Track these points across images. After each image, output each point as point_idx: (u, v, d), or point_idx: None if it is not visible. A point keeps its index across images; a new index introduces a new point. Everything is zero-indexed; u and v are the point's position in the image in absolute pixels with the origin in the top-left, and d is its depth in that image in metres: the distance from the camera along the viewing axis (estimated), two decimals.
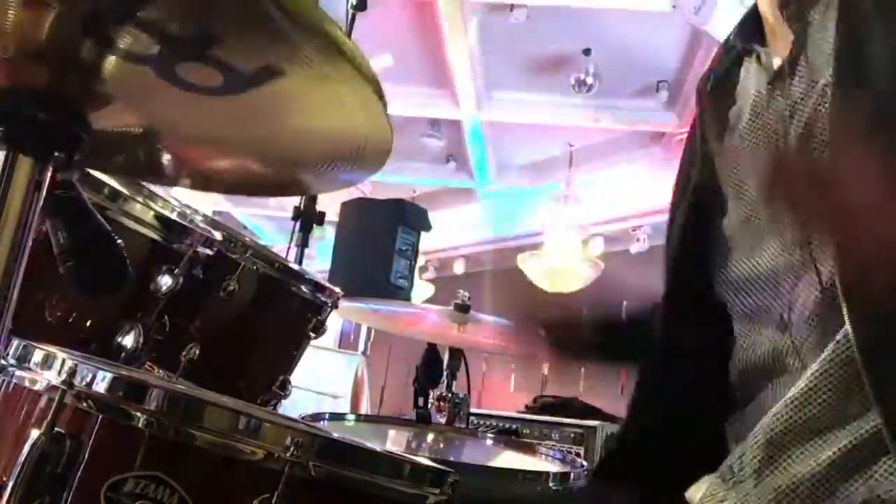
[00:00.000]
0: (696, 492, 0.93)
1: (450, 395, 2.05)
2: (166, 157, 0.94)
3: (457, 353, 2.10)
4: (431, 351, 2.11)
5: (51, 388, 0.75)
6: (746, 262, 0.96)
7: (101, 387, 0.74)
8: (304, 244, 2.52)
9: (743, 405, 0.97)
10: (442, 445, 1.87)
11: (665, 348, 1.07)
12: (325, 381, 3.58)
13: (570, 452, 2.63)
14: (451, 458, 1.67)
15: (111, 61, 0.70)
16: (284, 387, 1.55)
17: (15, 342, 0.83)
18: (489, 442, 1.97)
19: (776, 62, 0.93)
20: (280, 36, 0.62)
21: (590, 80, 5.08)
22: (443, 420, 2.03)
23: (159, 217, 1.24)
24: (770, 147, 0.92)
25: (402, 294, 4.66)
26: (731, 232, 1.00)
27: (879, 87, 0.77)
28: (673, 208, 1.14)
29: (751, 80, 0.99)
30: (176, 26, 0.63)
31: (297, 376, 1.61)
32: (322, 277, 1.61)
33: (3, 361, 0.82)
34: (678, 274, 1.08)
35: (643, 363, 1.10)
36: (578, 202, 6.28)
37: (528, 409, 3.83)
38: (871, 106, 0.78)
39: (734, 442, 0.95)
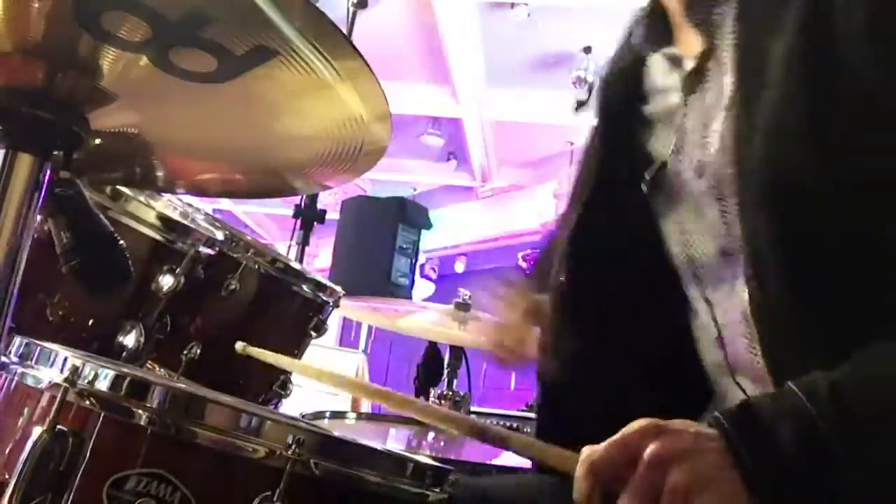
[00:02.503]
0: None
1: (450, 393, 2.05)
2: (161, 169, 0.94)
3: (457, 352, 2.10)
4: (432, 349, 2.11)
5: (53, 385, 0.75)
6: (696, 275, 0.93)
7: (103, 385, 0.74)
8: (304, 243, 2.52)
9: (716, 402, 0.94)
10: (443, 444, 1.87)
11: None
12: None
13: None
14: (452, 457, 1.67)
15: (107, 55, 0.70)
16: (285, 385, 1.55)
17: (17, 340, 0.83)
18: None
19: (688, 63, 0.90)
20: (269, 15, 0.62)
21: (590, 78, 5.08)
22: None
23: (161, 217, 1.25)
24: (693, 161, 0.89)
25: (403, 292, 4.67)
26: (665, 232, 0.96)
27: (774, 96, 0.75)
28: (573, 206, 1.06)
29: (662, 78, 0.96)
30: (166, 7, 0.63)
31: (298, 375, 1.61)
32: (323, 276, 1.62)
33: (5, 359, 0.82)
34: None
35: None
36: None
37: (529, 408, 3.83)
38: (766, 115, 0.75)
39: None
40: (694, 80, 0.88)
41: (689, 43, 0.90)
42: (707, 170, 0.86)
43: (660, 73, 0.97)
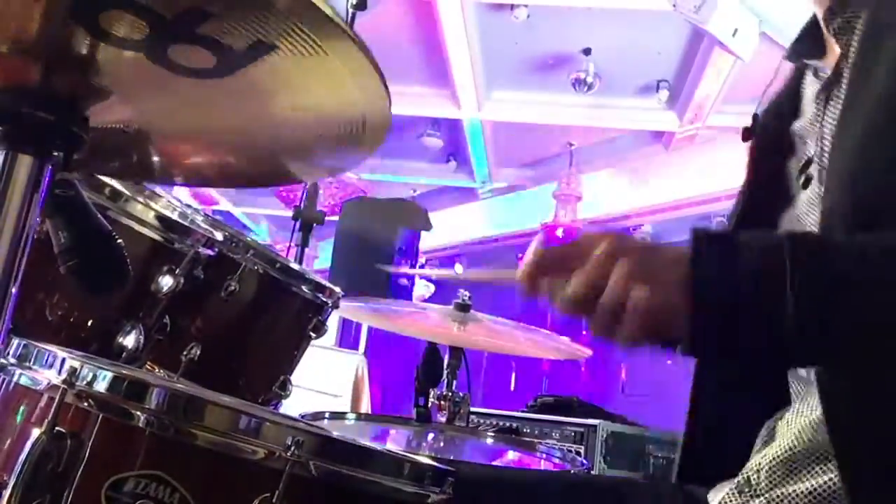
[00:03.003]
0: (714, 496, 0.92)
1: (450, 393, 2.05)
2: (158, 157, 0.94)
3: (457, 352, 2.10)
4: (432, 350, 2.11)
5: (51, 387, 0.75)
6: None
7: (101, 386, 0.74)
8: (304, 244, 2.52)
9: (785, 404, 0.94)
10: (442, 444, 1.87)
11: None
12: (325, 380, 3.58)
13: (571, 451, 2.63)
14: (452, 457, 1.67)
15: (105, 52, 0.70)
16: (285, 386, 1.55)
17: (16, 341, 0.83)
18: (490, 441, 1.97)
19: (829, 72, 0.91)
20: (269, 8, 0.62)
21: (590, 80, 5.08)
22: (443, 419, 2.04)
23: (160, 217, 1.24)
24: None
25: (403, 293, 4.66)
26: None
27: (874, 94, 0.76)
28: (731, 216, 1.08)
29: (809, 94, 0.97)
30: (163, 4, 0.63)
31: (298, 375, 1.61)
32: (322, 277, 1.61)
33: (3, 360, 0.82)
34: None
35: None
36: (579, 201, 6.29)
37: (529, 408, 3.83)
38: (864, 111, 0.77)
39: (763, 443, 0.94)
40: (831, 88, 0.88)
41: (833, 53, 0.91)
42: (810, 159, 0.87)
43: (807, 88, 0.99)
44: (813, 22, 0.98)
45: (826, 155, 0.86)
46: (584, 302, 0.66)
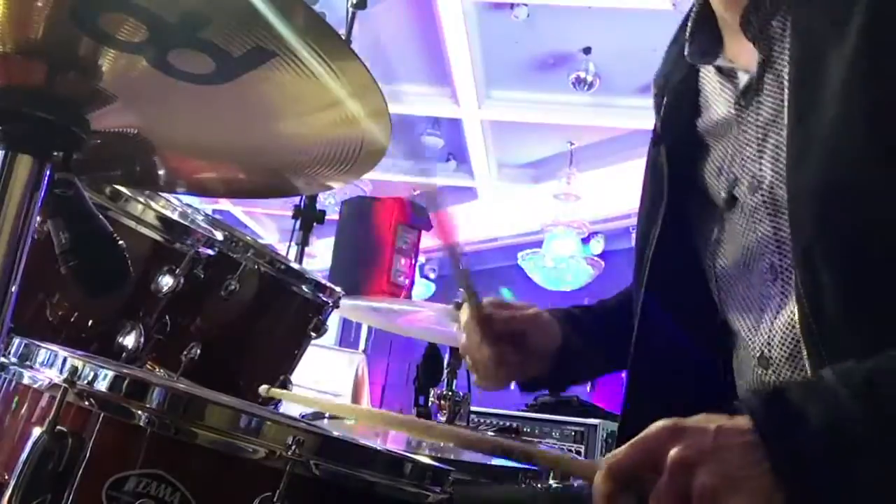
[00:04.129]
0: None
1: (450, 393, 2.05)
2: (161, 167, 0.94)
3: (457, 352, 2.10)
4: (432, 349, 2.11)
5: (52, 386, 0.75)
6: (731, 286, 0.93)
7: (102, 385, 0.74)
8: (304, 243, 2.52)
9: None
10: (442, 444, 1.87)
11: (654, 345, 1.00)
12: (325, 379, 3.58)
13: (571, 450, 2.63)
14: (452, 457, 1.67)
15: (106, 56, 0.70)
16: (285, 386, 1.55)
17: (17, 341, 0.83)
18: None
19: (742, 76, 0.89)
20: (266, 17, 0.62)
21: (590, 79, 5.08)
22: (443, 418, 2.04)
23: (160, 217, 1.25)
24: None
25: (403, 293, 4.66)
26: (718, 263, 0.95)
27: (829, 115, 0.74)
28: (645, 221, 1.05)
29: (714, 91, 0.95)
30: (163, 9, 0.63)
31: (298, 375, 1.62)
32: (323, 276, 1.62)
33: (4, 360, 0.82)
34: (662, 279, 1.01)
35: (634, 361, 1.02)
36: (579, 200, 6.29)
37: (529, 408, 3.83)
38: (824, 132, 0.74)
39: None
40: (750, 94, 0.87)
41: (743, 54, 0.88)
42: (762, 185, 0.84)
43: (710, 86, 0.96)
44: (705, 16, 0.94)
45: (765, 176, 0.83)
46: None
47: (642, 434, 0.64)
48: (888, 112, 0.71)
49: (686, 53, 0.98)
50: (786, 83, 0.81)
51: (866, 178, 0.72)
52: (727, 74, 0.92)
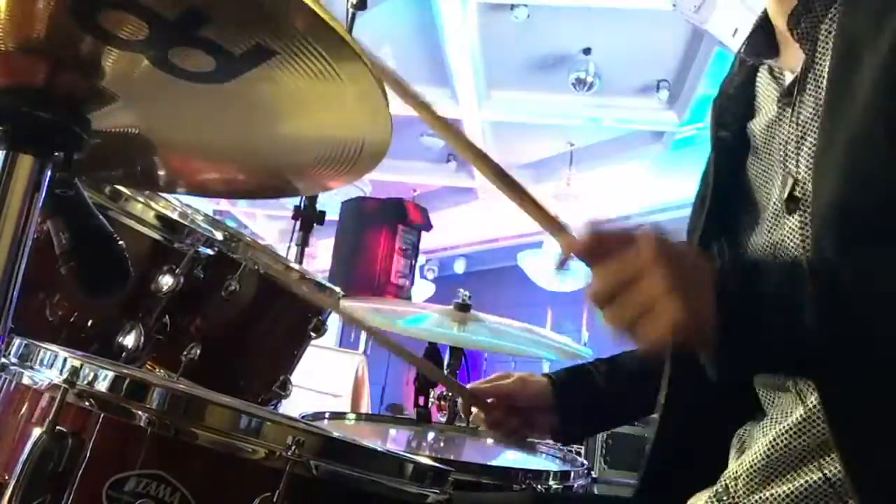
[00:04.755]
0: None
1: (450, 394, 2.05)
2: (161, 167, 0.94)
3: (457, 352, 2.10)
4: (432, 350, 2.11)
5: (52, 386, 0.75)
6: None
7: (102, 385, 0.74)
8: (304, 244, 2.52)
9: (756, 414, 0.95)
10: (442, 444, 1.87)
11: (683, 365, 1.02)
12: (325, 380, 3.59)
13: (571, 451, 2.63)
14: (452, 457, 1.67)
15: (107, 55, 0.70)
16: (285, 386, 1.55)
17: (17, 341, 0.83)
18: (489, 441, 1.97)
19: (788, 77, 0.91)
20: (267, 12, 0.62)
21: (590, 79, 5.09)
22: (443, 419, 2.04)
23: (160, 217, 1.25)
24: (781, 168, 0.90)
25: (403, 293, 4.67)
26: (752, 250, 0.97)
27: (857, 114, 0.76)
28: (690, 229, 1.07)
29: (765, 93, 0.97)
30: (163, 6, 0.63)
31: (298, 375, 1.61)
32: (323, 277, 1.62)
33: (4, 360, 0.82)
34: None
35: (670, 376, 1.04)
36: (579, 201, 6.29)
37: None
38: (847, 128, 0.77)
39: (737, 451, 0.94)
40: (793, 93, 0.89)
41: (793, 56, 0.90)
42: (797, 180, 0.86)
43: (763, 88, 0.98)
44: (764, 19, 0.97)
45: (800, 173, 0.86)
46: (612, 291, 0.69)
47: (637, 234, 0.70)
48: None
49: (742, 52, 1.01)
50: (825, 83, 0.83)
51: (882, 177, 0.74)
52: (776, 76, 0.95)
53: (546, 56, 5.17)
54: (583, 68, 5.07)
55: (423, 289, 7.49)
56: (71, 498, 0.71)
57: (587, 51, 5.03)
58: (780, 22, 0.92)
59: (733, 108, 1.01)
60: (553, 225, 0.80)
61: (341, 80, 0.69)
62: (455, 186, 7.28)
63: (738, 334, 0.68)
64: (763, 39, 0.97)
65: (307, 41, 0.64)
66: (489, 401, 1.23)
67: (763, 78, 0.98)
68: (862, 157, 0.75)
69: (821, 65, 0.85)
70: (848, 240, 0.75)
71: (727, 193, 1.00)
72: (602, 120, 5.75)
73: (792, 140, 0.88)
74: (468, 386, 1.28)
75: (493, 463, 1.61)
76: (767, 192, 0.93)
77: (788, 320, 0.68)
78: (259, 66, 0.68)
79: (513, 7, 4.61)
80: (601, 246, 0.71)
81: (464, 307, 1.95)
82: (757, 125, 0.97)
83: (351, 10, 2.53)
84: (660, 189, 5.94)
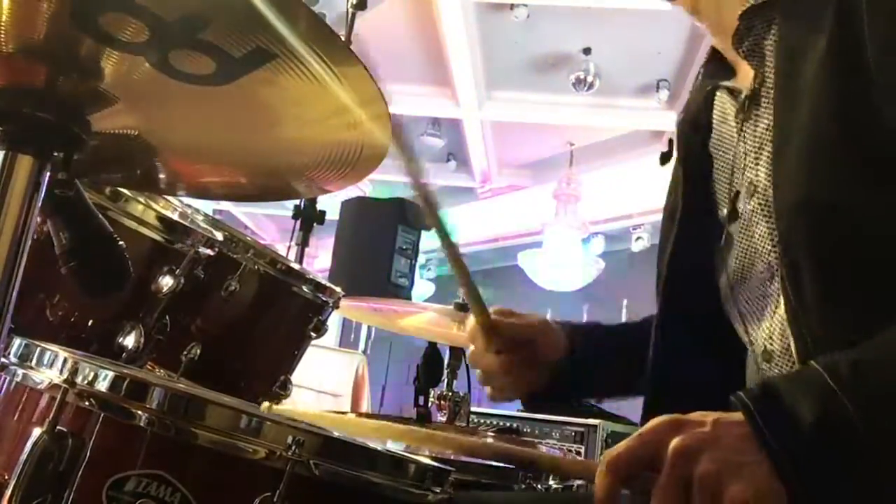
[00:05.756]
0: None
1: (450, 393, 2.05)
2: (162, 170, 0.94)
3: (457, 352, 2.10)
4: (432, 350, 2.11)
5: (52, 386, 0.75)
6: (740, 293, 0.94)
7: (102, 385, 0.74)
8: (304, 244, 2.52)
9: None
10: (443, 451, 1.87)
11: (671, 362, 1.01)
12: (325, 380, 3.59)
13: (571, 451, 2.62)
14: (452, 457, 1.67)
15: (107, 56, 0.70)
16: (285, 386, 1.55)
17: (17, 341, 0.83)
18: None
19: (744, 94, 0.93)
20: (267, 18, 0.62)
21: (590, 79, 5.09)
22: (443, 418, 2.04)
23: (160, 217, 1.25)
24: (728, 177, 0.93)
25: (403, 293, 4.66)
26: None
27: (803, 113, 0.78)
28: (663, 235, 1.09)
29: (722, 111, 1.00)
30: (163, 9, 0.63)
31: (298, 375, 1.62)
32: (323, 277, 1.62)
33: (4, 360, 0.82)
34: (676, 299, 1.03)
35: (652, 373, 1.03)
36: (579, 201, 6.29)
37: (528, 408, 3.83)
38: (799, 132, 0.78)
39: None
40: (748, 108, 0.91)
41: (745, 74, 0.93)
42: (758, 189, 0.88)
43: (720, 107, 1.01)
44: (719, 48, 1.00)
45: (760, 182, 0.87)
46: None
47: (642, 428, 0.66)
48: (855, 108, 0.74)
49: (700, 77, 1.04)
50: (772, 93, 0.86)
51: (836, 178, 0.75)
52: (734, 94, 0.97)
53: (546, 56, 5.17)
54: (583, 68, 5.08)
55: (423, 289, 7.49)
56: (71, 498, 0.71)
57: (587, 51, 5.03)
58: (726, 48, 0.95)
59: (693, 128, 1.04)
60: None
61: (340, 81, 0.69)
62: (455, 186, 7.27)
63: (808, 488, 0.62)
64: (718, 64, 1.00)
65: (306, 43, 0.64)
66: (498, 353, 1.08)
67: (722, 98, 1.00)
68: (817, 155, 0.77)
69: (770, 78, 0.87)
70: (814, 239, 0.75)
71: (695, 208, 1.01)
72: (602, 120, 5.75)
73: (751, 152, 0.90)
74: (491, 308, 1.09)
75: (494, 463, 1.61)
76: (725, 205, 0.96)
77: (839, 438, 0.62)
78: (259, 69, 0.68)
79: (513, 7, 4.61)
80: (630, 465, 0.66)
81: (464, 307, 1.95)
82: (715, 141, 1.00)
83: (351, 10, 2.53)
84: (660, 189, 5.94)
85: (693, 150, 1.04)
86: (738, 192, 0.93)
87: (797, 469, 0.61)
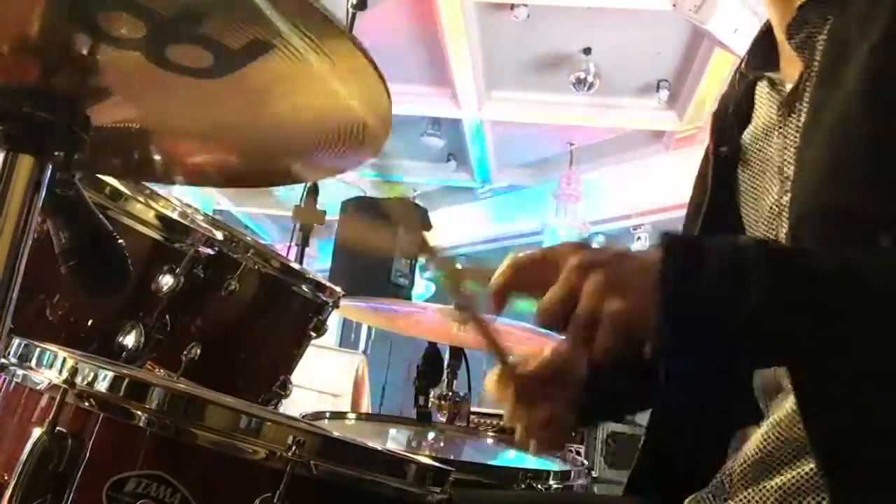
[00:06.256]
0: None
1: (450, 393, 2.05)
2: (159, 156, 0.94)
3: (457, 352, 2.10)
4: (432, 350, 2.11)
5: (52, 386, 0.75)
6: None
7: (102, 386, 0.74)
8: (304, 244, 2.52)
9: (751, 421, 0.94)
10: (442, 444, 1.87)
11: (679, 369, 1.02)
12: (325, 380, 3.58)
13: (571, 451, 2.63)
14: (452, 457, 1.67)
15: (105, 52, 0.70)
16: (285, 386, 1.55)
17: (16, 341, 0.83)
18: (490, 440, 1.97)
19: (788, 87, 0.91)
20: (263, 9, 0.62)
21: (590, 79, 5.08)
22: (443, 419, 2.04)
23: (160, 217, 1.24)
24: (774, 176, 0.90)
25: (403, 293, 4.66)
26: None
27: (836, 110, 0.76)
28: (686, 230, 1.07)
29: (763, 104, 0.98)
30: (160, 3, 0.63)
31: (298, 375, 1.61)
32: (323, 276, 1.62)
33: (4, 360, 0.82)
34: None
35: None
36: (579, 201, 6.29)
37: None
38: (825, 131, 0.77)
39: (734, 449, 0.95)
40: (791, 102, 0.89)
41: (792, 67, 0.91)
42: (790, 187, 0.86)
43: (761, 99, 0.98)
44: (765, 31, 0.98)
45: (788, 169, 0.86)
46: (558, 315, 0.66)
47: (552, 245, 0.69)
48: (884, 118, 0.73)
49: (742, 67, 1.01)
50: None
51: (862, 172, 0.74)
52: (777, 87, 0.95)
53: (546, 56, 5.16)
54: (583, 68, 5.07)
55: (423, 289, 7.48)
56: (71, 498, 0.70)
57: (587, 51, 5.02)
58: (780, 33, 0.93)
59: (733, 122, 1.02)
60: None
61: (332, 61, 0.68)
62: (455, 186, 7.27)
63: (678, 316, 0.64)
64: (764, 53, 0.97)
65: (303, 33, 0.64)
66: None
67: (763, 90, 0.99)
68: (841, 150, 0.75)
69: (815, 73, 0.85)
70: (826, 232, 0.74)
71: (722, 203, 1.00)
72: (602, 120, 5.75)
73: (791, 147, 0.88)
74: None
75: (493, 463, 1.61)
76: (761, 201, 0.94)
77: (736, 293, 0.64)
78: (256, 61, 0.68)
79: (513, 7, 4.60)
80: (527, 272, 0.69)
81: (464, 307, 1.94)
82: (750, 135, 0.98)
83: (351, 11, 2.54)
84: (660, 188, 5.94)
85: (728, 140, 1.01)
86: (769, 186, 0.91)
87: (682, 280, 0.63)
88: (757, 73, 0.98)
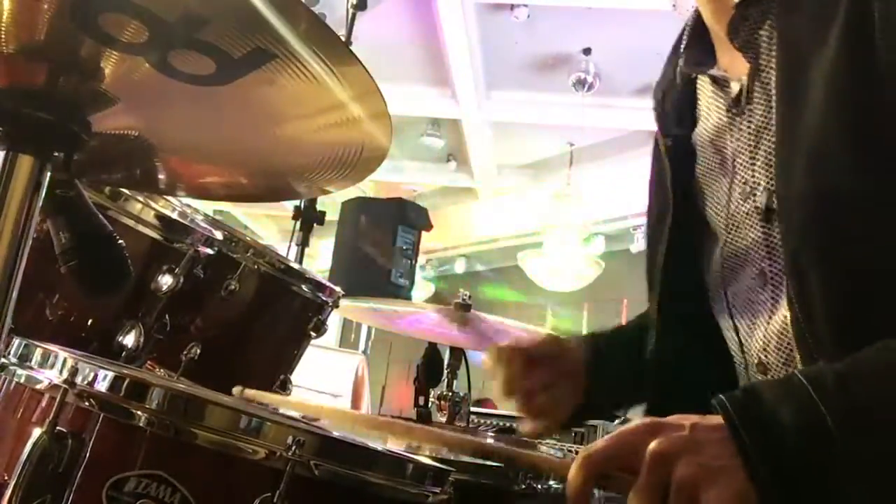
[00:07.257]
0: None
1: (450, 393, 2.05)
2: (162, 170, 0.94)
3: (457, 352, 2.10)
4: (432, 350, 2.11)
5: (52, 386, 0.75)
6: (726, 297, 0.93)
7: (102, 386, 0.74)
8: (304, 244, 2.52)
9: None
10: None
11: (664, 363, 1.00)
12: (325, 380, 3.58)
13: (571, 451, 2.62)
14: (452, 457, 1.67)
15: (108, 57, 0.70)
16: (285, 386, 1.55)
17: (16, 341, 0.83)
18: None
19: (734, 85, 0.90)
20: (266, 17, 0.62)
21: (590, 79, 5.09)
22: (443, 418, 2.04)
23: (160, 216, 1.24)
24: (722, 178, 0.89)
25: (403, 293, 4.67)
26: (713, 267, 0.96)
27: (814, 122, 0.75)
28: (652, 238, 1.05)
29: (708, 102, 0.96)
30: (163, 9, 0.63)
31: (298, 375, 1.61)
32: (323, 277, 1.62)
33: (4, 360, 0.82)
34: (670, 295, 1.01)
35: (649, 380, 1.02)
36: (579, 201, 6.28)
37: None
38: (807, 138, 0.76)
39: None
40: (741, 102, 0.88)
41: (734, 64, 0.89)
42: (756, 191, 0.85)
43: (705, 96, 0.97)
44: (696, 28, 0.96)
45: (759, 183, 0.85)
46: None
47: (620, 429, 0.65)
48: (868, 115, 0.72)
49: (681, 65, 0.99)
50: (773, 91, 0.82)
51: (849, 184, 0.73)
52: (720, 84, 0.93)
53: (546, 56, 5.16)
54: (583, 68, 5.07)
55: (423, 289, 7.49)
56: (71, 498, 0.70)
57: (587, 51, 5.02)
58: (718, 30, 0.91)
59: (676, 118, 1.01)
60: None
61: (340, 82, 0.69)
62: (455, 186, 7.27)
63: (778, 493, 0.61)
64: (701, 48, 0.96)
65: (306, 43, 0.64)
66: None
67: (705, 87, 0.97)
68: (823, 165, 0.74)
69: (766, 72, 0.84)
70: (824, 251, 0.73)
71: (685, 206, 0.98)
72: (602, 120, 5.75)
73: (745, 149, 0.87)
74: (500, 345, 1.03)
75: (490, 463, 1.61)
76: (719, 201, 0.93)
77: (816, 449, 0.61)
78: (259, 69, 0.68)
79: (513, 7, 4.60)
80: (604, 465, 0.65)
81: (464, 307, 1.95)
82: (702, 135, 0.96)
83: (351, 11, 2.54)
84: None
85: (677, 142, 1.00)
86: (729, 188, 0.90)
87: (772, 476, 0.61)
88: (698, 71, 0.97)
